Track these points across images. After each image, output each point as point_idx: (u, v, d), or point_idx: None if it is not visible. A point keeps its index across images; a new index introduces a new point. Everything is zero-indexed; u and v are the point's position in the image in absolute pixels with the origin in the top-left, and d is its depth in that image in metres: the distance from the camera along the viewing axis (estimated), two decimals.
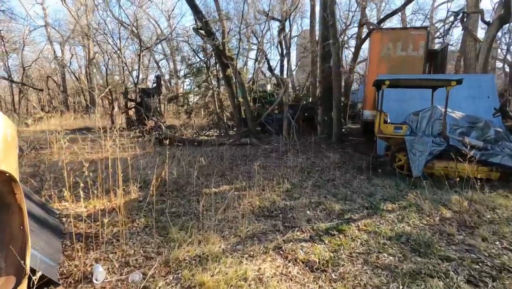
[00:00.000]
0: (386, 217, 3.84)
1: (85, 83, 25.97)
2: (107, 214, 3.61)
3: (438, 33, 20.20)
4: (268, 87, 19.71)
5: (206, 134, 12.67)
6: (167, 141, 10.72)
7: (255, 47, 15.41)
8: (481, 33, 15.63)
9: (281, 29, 16.33)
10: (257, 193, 4.79)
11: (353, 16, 20.90)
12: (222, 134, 12.50)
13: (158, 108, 17.23)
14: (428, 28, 9.18)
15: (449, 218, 3.77)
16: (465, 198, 4.39)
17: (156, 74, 20.01)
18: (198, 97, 12.79)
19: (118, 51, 16.62)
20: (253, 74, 13.85)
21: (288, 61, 14.58)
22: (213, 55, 11.67)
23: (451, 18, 21.25)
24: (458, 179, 4.20)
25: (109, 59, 18.45)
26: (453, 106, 6.47)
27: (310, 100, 14.85)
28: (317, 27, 17.05)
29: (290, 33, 14.02)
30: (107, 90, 14.62)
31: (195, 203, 4.41)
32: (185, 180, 5.56)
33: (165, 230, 3.41)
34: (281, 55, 14.83)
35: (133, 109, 15.82)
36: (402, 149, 6.03)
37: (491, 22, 8.00)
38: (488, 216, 3.85)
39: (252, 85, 13.55)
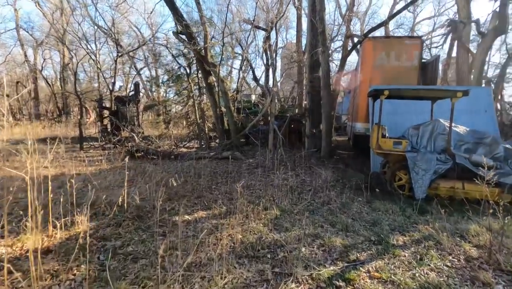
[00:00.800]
0: (400, 256, 3.07)
1: (60, 89, 24.40)
2: (39, 257, 2.68)
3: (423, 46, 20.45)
4: (253, 97, 19.09)
5: (186, 146, 11.71)
6: (140, 154, 9.76)
7: (240, 56, 14.79)
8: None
9: (267, 38, 15.85)
10: (240, 222, 3.93)
11: (338, 30, 20.94)
12: (203, 146, 11.59)
13: (135, 118, 16.17)
14: (423, 38, 8.88)
15: (476, 257, 3.06)
16: (485, 227, 3.73)
17: (135, 81, 18.98)
18: (178, 106, 11.88)
19: (94, 56, 15.52)
20: (238, 83, 13.15)
21: (274, 71, 14.02)
22: (195, 61, 10.87)
23: (441, 30, 21.68)
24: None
25: (84, 63, 17.23)
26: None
27: (297, 111, 14.26)
28: (303, 37, 16.76)
29: (276, 43, 13.53)
30: (70, 96, 13.39)
31: (161, 237, 3.48)
32: (152, 204, 4.61)
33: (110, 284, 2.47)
34: (267, 64, 14.26)
35: (108, 119, 14.66)
36: (403, 166, 5.39)
37: (486, 33, 7.77)
38: None
39: (236, 94, 12.81)
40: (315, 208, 4.67)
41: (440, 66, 12.14)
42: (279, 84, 26.23)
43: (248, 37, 11.22)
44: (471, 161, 5.01)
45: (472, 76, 8.33)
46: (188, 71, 10.36)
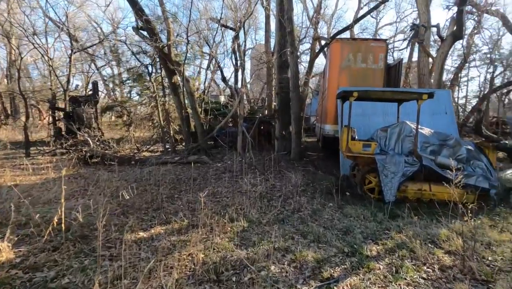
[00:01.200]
0: (375, 269, 2.86)
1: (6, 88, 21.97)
2: None
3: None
4: (222, 98, 18.61)
5: (150, 150, 10.95)
6: (96, 160, 8.87)
7: (208, 56, 14.23)
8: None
9: (235, 38, 15.48)
10: (203, 237, 3.52)
11: (306, 32, 21.18)
12: (169, 150, 10.92)
13: (93, 120, 14.99)
14: (387, 41, 9.07)
15: (451, 266, 2.94)
16: (455, 231, 3.69)
17: (93, 80, 17.63)
18: (140, 107, 11.07)
19: (43, 52, 14.06)
20: (205, 83, 12.60)
21: (243, 71, 13.68)
22: (158, 59, 10.19)
23: (402, 36, 22.75)
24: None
25: (38, 60, 15.57)
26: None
27: (266, 113, 14.06)
28: (272, 38, 16.64)
29: (245, 43, 13.22)
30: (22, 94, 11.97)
31: (108, 261, 2.97)
32: (101, 221, 4.03)
33: None
34: (235, 65, 13.89)
35: (62, 121, 13.35)
36: (373, 169, 5.31)
37: (445, 38, 8.12)
38: (490, 258, 3.12)
39: (204, 95, 12.28)
40: (285, 216, 4.38)
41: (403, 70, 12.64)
42: (248, 85, 26.00)
43: (215, 35, 10.77)
44: (436, 163, 5.05)
45: (432, 80, 8.70)
46: (150, 70, 9.66)
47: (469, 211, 3.08)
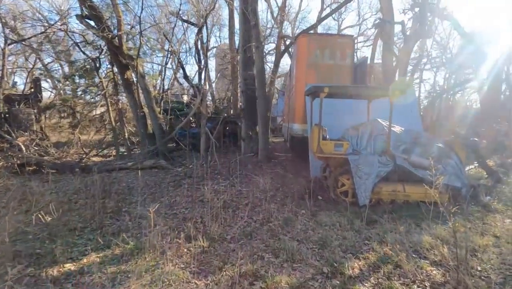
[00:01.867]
0: None
1: None
2: None
3: None
4: (185, 98, 17.60)
5: (101, 155, 9.73)
6: (32, 169, 7.56)
7: (169, 53, 13.17)
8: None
9: (198, 33, 14.64)
10: (150, 265, 2.80)
11: (271, 31, 20.94)
12: (125, 154, 9.81)
13: (35, 121, 13.20)
14: (354, 37, 8.94)
15: (443, 282, 2.57)
16: (438, 238, 3.39)
17: (33, 77, 15.63)
18: (89, 106, 9.75)
19: None
20: (163, 80, 11.59)
21: (206, 68, 12.87)
22: (108, 52, 9.06)
23: (362, 37, 23.42)
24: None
25: None
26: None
27: (232, 112, 13.44)
28: (237, 35, 16.01)
29: (208, 38, 12.40)
30: None
31: None
32: (23, 247, 3.14)
33: None
34: (198, 62, 13.06)
35: None
36: (346, 171, 4.95)
37: (409, 35, 8.18)
38: (479, 268, 2.83)
39: (163, 93, 11.29)
40: (253, 229, 3.80)
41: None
42: (214, 84, 25.13)
43: (174, 28, 9.86)
44: (410, 162, 4.82)
45: (397, 77, 8.79)
46: (97, 64, 8.48)
47: (451, 214, 2.77)
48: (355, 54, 7.64)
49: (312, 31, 11.15)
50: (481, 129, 11.09)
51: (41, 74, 11.85)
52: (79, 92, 9.54)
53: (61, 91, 12.84)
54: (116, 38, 7.95)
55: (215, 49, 27.79)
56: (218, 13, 27.70)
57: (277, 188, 5.82)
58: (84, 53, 8.42)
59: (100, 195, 5.10)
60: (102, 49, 8.45)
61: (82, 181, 6.05)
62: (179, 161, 8.91)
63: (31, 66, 15.96)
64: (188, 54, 17.40)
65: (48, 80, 16.78)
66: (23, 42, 11.87)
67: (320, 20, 14.93)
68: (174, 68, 20.93)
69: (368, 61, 15.87)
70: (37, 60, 19.17)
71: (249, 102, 9.44)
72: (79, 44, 8.45)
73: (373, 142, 5.14)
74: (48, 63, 18.23)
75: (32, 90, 13.49)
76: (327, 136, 5.41)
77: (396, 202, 4.83)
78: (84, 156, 8.72)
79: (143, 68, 8.97)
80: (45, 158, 7.40)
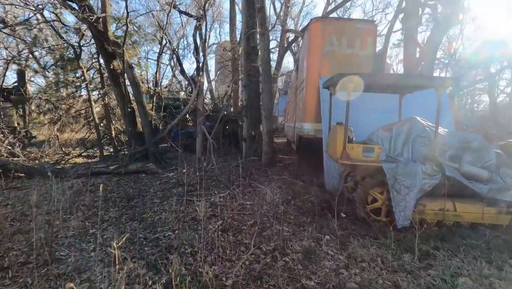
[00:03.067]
0: None
1: None
2: None
3: None
4: (182, 94, 16.53)
5: (83, 155, 8.63)
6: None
7: (161, 43, 12.05)
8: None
9: (196, 25, 13.53)
10: None
11: (273, 27, 19.85)
12: (112, 154, 8.72)
13: (18, 117, 12.12)
14: (376, 23, 7.85)
15: None
16: None
17: (18, 69, 14.51)
18: (71, 100, 8.63)
19: None
20: (156, 73, 10.45)
21: (205, 59, 11.76)
22: (92, 40, 7.97)
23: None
24: None
25: None
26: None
27: (232, 110, 12.37)
28: (238, 28, 14.93)
29: (207, 28, 11.27)
30: None
31: None
32: None
33: None
34: (196, 53, 11.98)
35: None
36: (379, 183, 3.89)
37: (440, 22, 7.12)
38: None
39: (155, 87, 10.18)
40: (263, 266, 2.73)
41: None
42: (213, 83, 24.07)
43: (168, 15, 8.75)
44: (462, 172, 3.77)
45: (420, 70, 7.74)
46: (78, 51, 7.36)
47: None
48: (376, 42, 6.54)
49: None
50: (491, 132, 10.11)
51: (18, 64, 10.67)
52: (60, 85, 8.40)
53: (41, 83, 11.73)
54: (100, 21, 6.85)
55: (214, 46, 26.73)
56: (219, 9, 26.64)
57: (288, 200, 4.74)
58: (61, 36, 7.29)
59: (66, 209, 4.02)
60: (83, 34, 7.34)
61: (50, 188, 4.95)
62: (171, 164, 7.82)
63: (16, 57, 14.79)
64: (187, 51, 16.28)
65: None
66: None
67: (326, 14, 13.92)
68: (171, 63, 19.84)
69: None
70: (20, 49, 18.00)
71: (252, 98, 8.37)
72: (55, 27, 7.32)
73: (411, 147, 4.07)
74: (21, 50, 17.01)
75: (15, 83, 12.44)
76: (354, 139, 4.35)
77: (444, 224, 3.78)
78: (63, 157, 7.62)
79: (133, 58, 7.87)
80: (11, 159, 6.29)
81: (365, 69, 6.31)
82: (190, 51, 22.20)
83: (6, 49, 9.91)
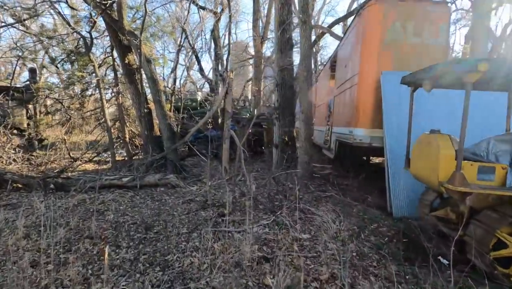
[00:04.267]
0: None
1: None
2: None
3: None
4: (199, 95, 15.58)
5: (95, 160, 7.69)
6: None
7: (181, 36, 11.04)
8: None
9: (217, 21, 12.56)
10: None
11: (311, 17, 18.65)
12: (125, 159, 7.75)
13: (26, 117, 11.40)
14: (450, 5, 6.53)
15: None
16: None
17: (30, 66, 13.89)
18: (81, 99, 7.72)
19: None
20: (174, 70, 9.40)
21: (229, 53, 10.70)
22: (105, 32, 7.04)
23: None
24: None
25: None
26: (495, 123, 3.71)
27: (255, 112, 11.27)
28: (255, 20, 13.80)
29: (231, 21, 10.21)
30: None
31: None
32: None
33: None
34: (215, 51, 10.97)
35: None
36: (506, 220, 2.66)
37: None
38: None
39: (174, 85, 9.18)
40: None
41: None
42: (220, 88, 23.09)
43: (188, 12, 7.73)
44: None
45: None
46: (89, 42, 6.40)
47: None
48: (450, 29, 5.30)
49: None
50: None
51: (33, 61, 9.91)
52: (69, 82, 7.49)
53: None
54: (115, 7, 5.88)
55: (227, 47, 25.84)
56: (236, 7, 25.69)
57: (356, 233, 3.56)
58: (68, 24, 6.36)
59: (65, 241, 2.97)
60: (95, 21, 6.39)
61: (51, 207, 3.94)
62: (193, 173, 6.77)
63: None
64: (203, 50, 15.29)
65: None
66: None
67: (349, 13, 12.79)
68: (186, 61, 19.01)
69: None
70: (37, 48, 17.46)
71: (285, 99, 7.25)
72: (63, 13, 6.39)
73: None
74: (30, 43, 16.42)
75: (28, 82, 11.77)
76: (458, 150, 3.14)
77: None
78: (71, 163, 6.68)
79: (149, 52, 6.85)
80: (11, 167, 5.36)
81: (438, 61, 5.06)
82: (205, 51, 21.23)
83: (16, 44, 9.11)
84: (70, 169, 6.74)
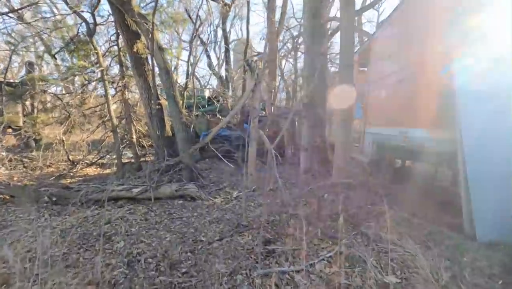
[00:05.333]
0: None
1: None
2: None
3: None
4: (207, 92, 14.64)
5: (98, 163, 6.77)
6: None
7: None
8: None
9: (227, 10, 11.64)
10: None
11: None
12: (133, 163, 6.84)
13: (25, 114, 10.62)
14: None
15: None
16: None
17: (27, 60, 12.97)
18: (80, 94, 6.78)
19: None
20: (188, 62, 8.37)
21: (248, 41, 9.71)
22: (110, 16, 6.11)
23: None
24: None
25: None
26: None
27: (272, 109, 10.34)
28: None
29: (249, 9, 9.20)
30: None
31: None
32: None
33: None
34: (225, 42, 10.01)
35: None
36: None
37: None
38: None
39: (187, 79, 8.24)
40: None
41: None
42: (230, 84, 22.18)
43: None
44: None
45: None
46: (90, 27, 5.40)
47: None
48: None
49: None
50: None
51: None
52: (68, 74, 6.52)
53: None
54: None
55: (234, 43, 24.89)
56: (241, 2, 24.68)
57: (456, 272, 2.62)
58: (66, 3, 5.38)
59: None
60: (99, 0, 5.44)
61: (48, 225, 3.03)
62: (211, 179, 5.84)
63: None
64: (214, 42, 14.32)
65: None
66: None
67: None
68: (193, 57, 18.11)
69: None
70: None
71: (316, 93, 6.31)
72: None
73: None
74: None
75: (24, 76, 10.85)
76: None
77: None
78: (70, 168, 5.76)
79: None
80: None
81: None
82: (215, 42, 20.19)
83: (8, 33, 8.16)
84: (69, 174, 5.83)
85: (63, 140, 6.01)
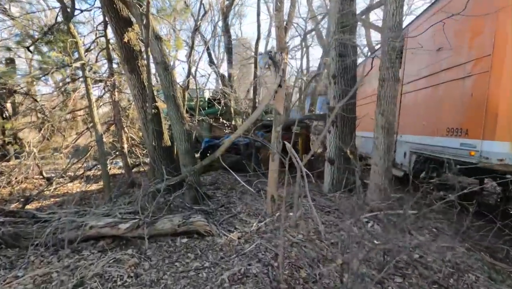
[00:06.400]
0: None
1: None
2: None
3: None
4: (207, 93, 13.51)
5: (78, 176, 5.61)
6: None
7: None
8: None
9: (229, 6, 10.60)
10: None
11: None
12: (123, 176, 5.70)
13: (4, 118, 9.38)
14: None
15: None
16: None
17: (6, 57, 11.74)
18: (58, 95, 5.61)
19: None
20: (189, 58, 7.22)
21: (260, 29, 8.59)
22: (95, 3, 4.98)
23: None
24: None
25: None
26: None
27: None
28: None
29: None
30: None
31: None
32: None
33: None
34: (228, 38, 8.94)
35: None
36: None
37: None
38: None
39: (187, 77, 7.13)
40: None
41: None
42: (234, 85, 21.11)
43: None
44: None
45: None
46: (70, 11, 4.28)
47: None
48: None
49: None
50: None
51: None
52: (43, 68, 5.35)
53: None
54: None
55: (233, 42, 23.87)
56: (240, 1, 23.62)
57: None
58: None
59: None
60: None
61: None
62: (218, 201, 4.74)
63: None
64: (216, 38, 13.16)
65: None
66: None
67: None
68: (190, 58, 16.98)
69: None
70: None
71: (345, 94, 5.26)
72: None
73: None
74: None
75: None
76: None
77: None
78: (42, 190, 4.59)
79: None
80: None
81: None
82: (216, 37, 19.02)
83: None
84: (43, 193, 4.67)
85: (34, 154, 4.80)
